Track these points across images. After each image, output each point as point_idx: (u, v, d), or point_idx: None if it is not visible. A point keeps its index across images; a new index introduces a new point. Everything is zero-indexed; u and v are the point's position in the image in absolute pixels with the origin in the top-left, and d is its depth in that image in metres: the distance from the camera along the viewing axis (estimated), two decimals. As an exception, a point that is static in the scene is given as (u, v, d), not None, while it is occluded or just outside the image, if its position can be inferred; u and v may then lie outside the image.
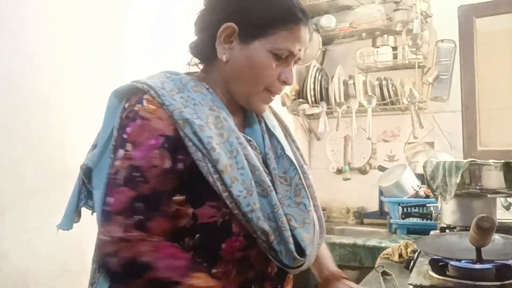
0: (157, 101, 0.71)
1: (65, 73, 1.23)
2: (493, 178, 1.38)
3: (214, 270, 0.71)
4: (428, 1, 2.36)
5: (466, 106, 2.28)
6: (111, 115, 0.75)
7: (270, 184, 0.74)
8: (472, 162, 1.40)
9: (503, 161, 1.38)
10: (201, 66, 0.85)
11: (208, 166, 0.69)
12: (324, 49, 2.58)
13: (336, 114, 2.44)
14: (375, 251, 1.80)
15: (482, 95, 2.26)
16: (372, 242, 1.89)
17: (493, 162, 1.39)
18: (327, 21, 2.50)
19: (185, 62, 0.86)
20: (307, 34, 0.80)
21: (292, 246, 0.73)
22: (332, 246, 1.95)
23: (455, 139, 2.33)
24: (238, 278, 0.73)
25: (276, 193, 0.76)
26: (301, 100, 2.53)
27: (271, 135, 0.85)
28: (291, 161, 0.82)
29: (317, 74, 2.52)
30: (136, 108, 0.70)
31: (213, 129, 0.72)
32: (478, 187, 1.40)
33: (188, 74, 0.82)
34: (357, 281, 1.25)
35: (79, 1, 1.30)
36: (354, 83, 2.42)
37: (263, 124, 0.86)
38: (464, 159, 1.64)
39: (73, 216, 0.81)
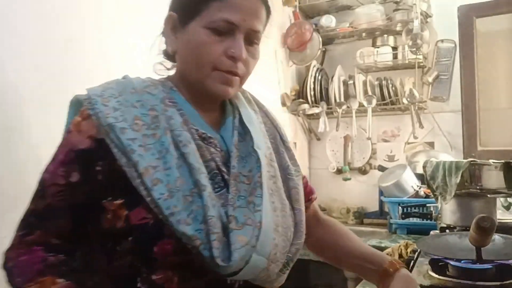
0: (87, 111, 0.70)
1: (67, 73, 1.23)
2: (493, 178, 1.38)
3: (154, 277, 0.67)
4: (428, 1, 2.36)
5: (466, 106, 2.28)
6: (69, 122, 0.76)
7: (205, 183, 0.68)
8: (472, 162, 1.40)
9: (503, 161, 1.38)
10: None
11: (131, 171, 0.66)
12: (324, 49, 2.58)
13: (336, 114, 2.44)
14: (375, 251, 1.80)
15: (482, 95, 2.26)
16: (372, 242, 1.89)
17: (493, 162, 1.39)
18: (327, 21, 2.50)
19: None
20: (252, 2, 0.74)
21: (215, 251, 0.64)
22: (332, 246, 1.95)
23: (455, 139, 2.33)
24: (182, 286, 0.68)
25: (228, 193, 0.71)
26: (301, 100, 2.53)
27: (245, 130, 0.80)
28: (258, 158, 0.76)
29: (317, 74, 2.52)
30: (71, 121, 0.72)
31: (142, 130, 0.69)
32: (478, 187, 1.40)
33: (168, 76, 0.82)
34: (357, 281, 1.25)
35: None
36: (354, 83, 2.42)
37: (236, 119, 0.81)
38: (464, 159, 1.64)
39: None
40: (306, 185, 0.93)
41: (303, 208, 0.81)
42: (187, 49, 0.75)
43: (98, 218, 0.69)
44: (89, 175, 0.68)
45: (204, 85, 0.75)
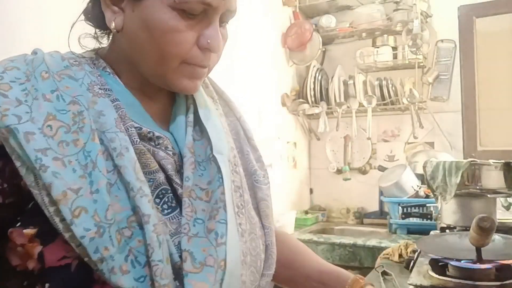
0: None
1: None
2: (493, 178, 1.38)
3: None
4: (428, 1, 2.36)
5: (466, 106, 2.28)
6: None
7: (148, 210, 0.48)
8: (472, 162, 1.40)
9: (503, 161, 1.38)
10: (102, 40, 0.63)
11: (42, 194, 0.46)
12: (324, 49, 2.58)
13: (336, 114, 2.44)
14: (375, 251, 1.80)
15: (482, 95, 2.26)
16: (372, 242, 1.89)
17: (493, 162, 1.39)
18: (327, 21, 2.50)
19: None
20: None
21: None
22: (332, 246, 1.95)
23: (455, 139, 2.33)
24: None
25: (181, 215, 0.53)
26: (301, 100, 2.53)
27: (202, 127, 0.61)
28: (218, 166, 0.57)
29: (317, 74, 2.52)
30: None
31: (58, 136, 0.48)
32: (478, 187, 1.40)
33: (90, 51, 0.61)
34: (357, 281, 1.25)
35: None
36: (354, 83, 2.42)
37: (190, 111, 0.62)
38: (464, 159, 1.64)
39: None
40: None
41: (273, 226, 0.65)
42: (144, 33, 0.54)
43: (3, 253, 0.51)
44: None
45: (165, 79, 0.57)
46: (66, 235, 0.46)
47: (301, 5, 2.53)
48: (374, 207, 2.51)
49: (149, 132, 0.55)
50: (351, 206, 2.55)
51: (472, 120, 2.27)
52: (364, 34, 2.50)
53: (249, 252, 0.57)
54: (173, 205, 0.54)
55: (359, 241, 1.91)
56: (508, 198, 1.62)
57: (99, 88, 0.54)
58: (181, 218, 0.53)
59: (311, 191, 2.72)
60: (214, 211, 0.54)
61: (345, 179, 2.52)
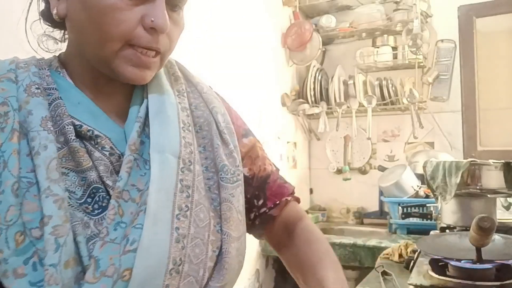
0: None
1: None
2: (493, 178, 1.38)
3: None
4: (428, 1, 2.36)
5: (466, 106, 2.28)
6: None
7: (49, 211, 0.46)
8: (472, 162, 1.40)
9: (503, 161, 1.38)
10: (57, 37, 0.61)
11: None
12: (324, 49, 2.58)
13: (336, 114, 2.44)
14: (375, 251, 1.80)
15: (482, 95, 2.26)
16: (372, 242, 1.89)
17: (493, 162, 1.39)
18: (327, 21, 2.50)
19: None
20: None
21: None
22: (332, 246, 1.94)
23: (455, 139, 2.33)
24: None
25: (102, 219, 0.50)
26: (301, 100, 2.53)
27: (147, 124, 0.57)
28: (150, 166, 0.54)
29: (317, 74, 2.52)
30: None
31: None
32: (478, 187, 1.39)
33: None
34: (357, 281, 1.25)
35: None
36: (354, 83, 2.42)
37: (142, 109, 0.58)
38: (464, 159, 1.64)
39: None
40: (274, 183, 0.71)
41: (235, 233, 0.58)
42: (84, 13, 0.51)
43: None
44: None
45: (110, 66, 0.53)
46: None
47: (301, 5, 2.52)
48: (374, 207, 2.51)
49: (88, 131, 0.53)
50: (351, 206, 2.55)
51: (472, 120, 2.27)
52: (364, 34, 2.50)
53: (187, 259, 0.52)
54: (104, 205, 0.51)
55: (359, 241, 1.91)
56: (508, 198, 1.62)
57: (37, 88, 0.53)
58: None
59: (311, 191, 2.72)
60: (135, 215, 0.50)
61: (345, 179, 2.52)
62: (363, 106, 2.39)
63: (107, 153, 0.54)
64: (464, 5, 2.29)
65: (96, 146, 0.53)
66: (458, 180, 1.37)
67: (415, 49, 2.23)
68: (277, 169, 0.74)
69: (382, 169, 2.39)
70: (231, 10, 1.96)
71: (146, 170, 0.54)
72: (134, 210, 0.51)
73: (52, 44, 0.62)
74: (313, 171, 2.74)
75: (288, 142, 2.50)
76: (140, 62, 0.54)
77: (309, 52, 2.48)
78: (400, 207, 2.04)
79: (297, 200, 0.75)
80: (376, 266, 1.39)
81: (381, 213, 2.43)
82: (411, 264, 1.23)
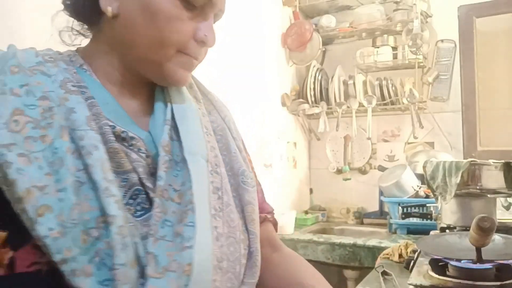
0: None
1: None
2: (493, 178, 1.38)
3: None
4: (428, 1, 2.36)
5: (466, 106, 2.28)
6: None
7: (114, 211, 0.47)
8: (472, 162, 1.40)
9: (503, 161, 1.38)
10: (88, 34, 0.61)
11: (9, 191, 0.45)
12: (324, 49, 2.58)
13: (336, 114, 2.44)
14: (375, 251, 1.80)
15: (482, 95, 2.26)
16: (372, 242, 1.89)
17: (493, 162, 1.39)
18: (327, 21, 2.50)
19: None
20: None
21: None
22: (332, 246, 1.95)
23: (455, 139, 2.33)
24: None
25: (150, 217, 0.51)
26: (301, 100, 2.53)
27: (175, 127, 0.59)
28: (188, 167, 0.56)
29: (317, 74, 2.52)
30: None
31: (25, 131, 0.47)
32: (478, 187, 1.39)
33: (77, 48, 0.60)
34: (357, 281, 1.25)
35: None
36: (354, 83, 2.42)
37: (169, 109, 0.60)
38: (464, 159, 1.64)
39: None
40: (260, 199, 0.70)
41: (258, 234, 0.62)
42: (143, 17, 0.54)
43: None
44: None
45: (161, 67, 0.56)
46: (33, 234, 0.44)
47: (301, 5, 2.53)
48: (374, 207, 2.51)
49: (122, 132, 0.54)
50: (351, 206, 2.55)
51: (472, 120, 2.27)
52: (364, 34, 2.50)
53: (226, 257, 0.55)
54: (146, 206, 0.52)
55: (359, 241, 1.91)
56: (508, 198, 1.62)
57: (73, 85, 0.53)
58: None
59: (311, 191, 2.72)
60: (183, 213, 0.52)
61: (345, 179, 2.52)
62: (363, 106, 2.39)
63: (143, 155, 0.55)
64: (464, 5, 2.29)
65: (131, 147, 0.54)
66: (458, 180, 1.37)
67: (415, 49, 2.23)
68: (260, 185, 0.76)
69: (382, 169, 2.39)
70: (231, 10, 1.96)
71: (178, 171, 0.55)
72: (176, 209, 0.52)
73: (67, 37, 0.61)
74: (313, 171, 2.74)
75: (288, 142, 2.50)
76: (188, 66, 0.58)
77: (309, 52, 2.48)
78: (400, 207, 2.04)
79: (275, 223, 0.75)
80: (376, 266, 1.39)
81: (381, 213, 2.43)
82: (411, 264, 1.23)
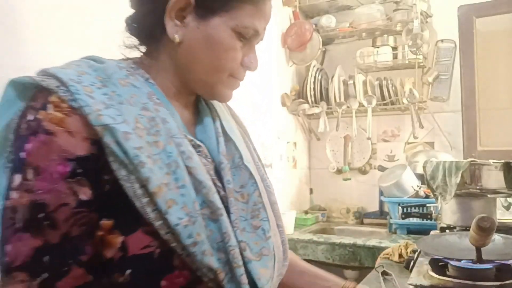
0: (67, 104, 0.53)
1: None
2: (493, 178, 1.38)
3: None
4: (428, 1, 2.36)
5: (466, 106, 2.28)
6: (7, 108, 0.56)
7: (220, 205, 0.58)
8: (472, 162, 1.40)
9: (503, 161, 1.38)
10: (142, 49, 0.68)
11: (134, 187, 0.52)
12: (324, 49, 2.58)
13: (336, 114, 2.44)
14: (375, 251, 1.80)
15: (482, 95, 2.26)
16: (372, 242, 1.89)
17: (493, 162, 1.39)
18: (327, 21, 2.50)
19: (118, 43, 0.67)
20: (271, 10, 0.67)
21: (246, 287, 0.58)
22: (332, 246, 1.95)
23: (455, 139, 2.33)
24: None
25: (229, 213, 0.61)
26: (301, 100, 2.53)
27: (228, 139, 0.69)
28: (250, 173, 0.66)
29: (317, 74, 2.52)
30: (39, 116, 0.52)
31: (145, 136, 0.55)
32: (478, 187, 1.39)
33: (124, 60, 0.66)
34: (357, 281, 1.25)
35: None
36: (354, 83, 2.42)
37: (218, 124, 0.70)
38: (464, 159, 1.64)
39: None
40: None
41: (284, 224, 0.75)
42: (205, 47, 0.62)
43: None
44: (99, 188, 0.54)
45: (213, 88, 0.66)
46: (157, 223, 0.53)
47: (301, 5, 2.53)
48: (374, 207, 2.51)
49: (191, 140, 0.62)
50: (351, 206, 2.55)
51: (472, 120, 2.27)
52: (364, 34, 2.50)
53: (276, 244, 0.67)
54: (219, 206, 0.60)
55: (359, 241, 1.91)
56: (508, 198, 1.62)
57: (157, 99, 0.61)
58: (228, 216, 0.60)
59: (311, 191, 2.72)
60: (255, 211, 0.64)
61: (345, 179, 2.52)
62: (363, 106, 2.39)
63: (209, 160, 0.65)
64: (464, 5, 2.29)
65: (199, 154, 0.63)
66: (458, 180, 1.37)
67: (415, 49, 2.23)
68: None
69: (382, 169, 2.39)
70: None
71: (233, 176, 0.65)
72: (243, 207, 0.64)
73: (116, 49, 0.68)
74: (313, 171, 2.74)
75: (288, 142, 2.50)
76: (236, 86, 0.68)
77: (309, 52, 2.48)
78: (400, 207, 2.04)
79: None
80: (376, 266, 1.39)
81: (381, 213, 2.43)
82: (411, 264, 1.23)
